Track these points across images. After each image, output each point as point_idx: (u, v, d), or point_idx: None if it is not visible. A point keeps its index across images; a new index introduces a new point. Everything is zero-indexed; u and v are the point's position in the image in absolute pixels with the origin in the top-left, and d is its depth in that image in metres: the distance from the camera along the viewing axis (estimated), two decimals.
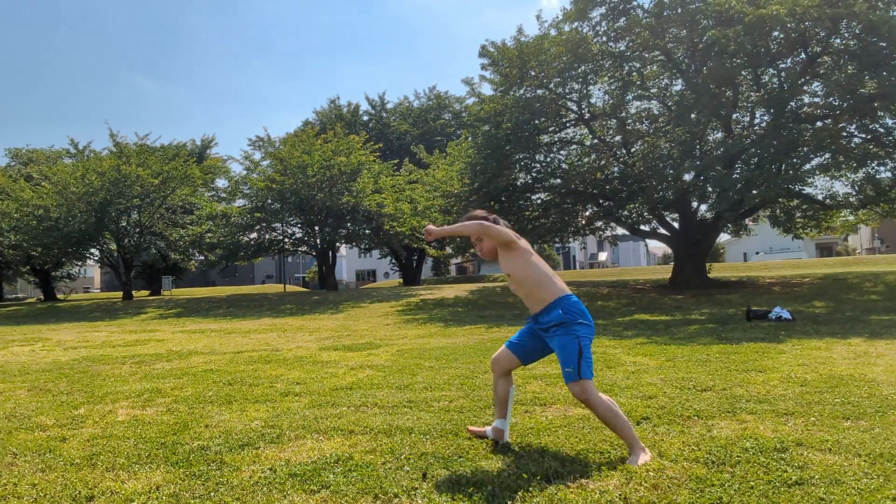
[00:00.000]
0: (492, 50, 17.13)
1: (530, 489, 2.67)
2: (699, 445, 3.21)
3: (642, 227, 19.25)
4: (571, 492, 2.64)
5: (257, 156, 26.83)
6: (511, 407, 3.44)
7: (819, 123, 14.77)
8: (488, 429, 3.45)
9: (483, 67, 17.62)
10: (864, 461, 2.91)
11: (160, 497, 2.74)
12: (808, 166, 15.29)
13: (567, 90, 17.38)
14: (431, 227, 3.36)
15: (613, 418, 3.08)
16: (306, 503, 2.62)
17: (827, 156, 14.99)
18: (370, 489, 2.73)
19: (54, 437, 3.81)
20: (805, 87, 15.35)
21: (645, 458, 2.99)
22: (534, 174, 18.83)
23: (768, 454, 3.03)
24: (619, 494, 2.59)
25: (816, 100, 15.76)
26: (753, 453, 3.05)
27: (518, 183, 18.72)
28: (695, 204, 17.63)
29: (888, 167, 15.75)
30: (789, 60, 15.22)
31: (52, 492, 2.85)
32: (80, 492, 2.84)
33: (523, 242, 3.42)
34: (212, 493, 2.76)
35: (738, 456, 3.02)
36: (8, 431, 4.01)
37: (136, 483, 2.93)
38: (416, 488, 2.72)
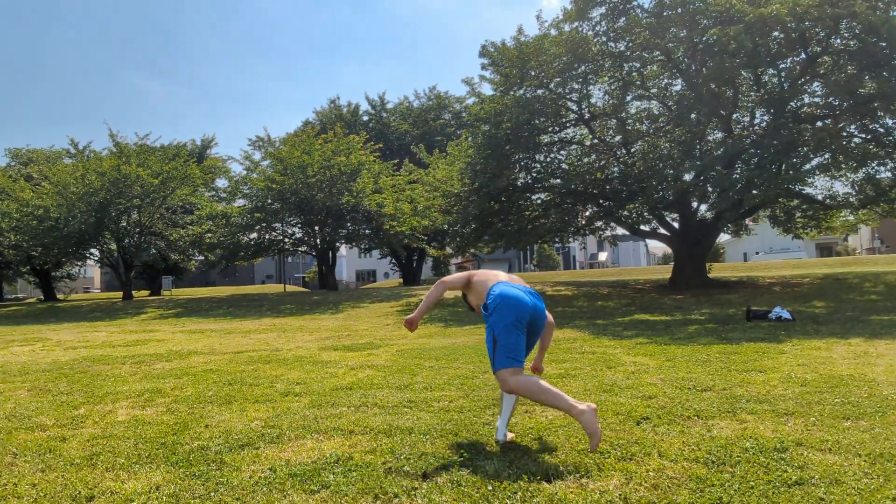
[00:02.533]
0: (492, 50, 17.13)
1: (530, 489, 2.67)
2: (699, 445, 3.21)
3: (642, 227, 19.24)
4: (571, 492, 2.64)
5: (257, 156, 26.85)
6: (507, 405, 3.46)
7: (819, 123, 14.77)
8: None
9: (483, 67, 17.61)
10: (864, 461, 2.91)
11: (160, 497, 2.74)
12: (808, 166, 15.29)
13: (567, 90, 17.38)
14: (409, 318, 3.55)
15: (540, 394, 3.17)
16: (306, 503, 2.62)
17: (827, 156, 14.99)
18: (370, 489, 2.73)
19: (54, 437, 3.81)
20: (805, 87, 15.36)
21: (585, 408, 3.09)
22: (534, 174, 18.83)
23: (768, 454, 3.03)
24: (619, 494, 2.59)
25: (816, 100, 15.76)
26: (753, 453, 3.05)
27: (518, 183, 18.71)
28: (695, 204, 17.63)
29: (888, 167, 15.74)
30: (789, 60, 15.22)
31: (52, 492, 2.85)
32: (80, 492, 2.84)
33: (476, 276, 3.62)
34: (212, 494, 2.76)
35: (738, 456, 3.02)
36: (8, 431, 4.02)
37: (136, 483, 2.93)
38: (416, 488, 2.72)
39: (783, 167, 14.65)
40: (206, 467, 3.12)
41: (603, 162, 18.03)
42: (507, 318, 3.24)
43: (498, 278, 3.51)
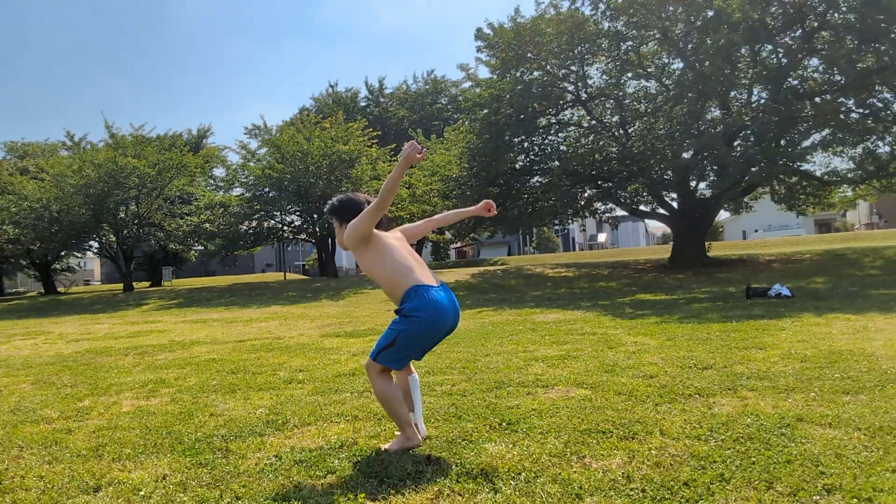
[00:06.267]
0: (488, 32, 17.01)
1: (534, 469, 2.69)
2: (700, 423, 3.23)
3: (641, 208, 19.23)
4: (575, 471, 2.66)
5: (253, 144, 26.75)
6: (418, 396, 3.23)
7: (818, 99, 14.71)
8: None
9: (479, 50, 17.51)
10: (864, 435, 2.93)
11: (167, 486, 2.77)
12: (807, 142, 15.25)
13: (565, 72, 17.28)
14: None
15: (387, 402, 3.05)
16: (312, 489, 2.65)
17: (826, 132, 14.95)
18: (375, 473, 2.75)
19: (60, 430, 3.84)
20: (804, 63, 15.27)
21: (399, 443, 3.02)
22: (532, 157, 18.78)
23: (769, 430, 3.05)
24: (623, 473, 2.62)
25: (815, 75, 15.68)
26: (754, 429, 3.07)
27: (517, 166, 18.67)
28: (693, 183, 17.61)
29: (887, 142, 15.70)
30: (788, 37, 15.12)
31: (60, 483, 2.88)
32: (87, 483, 2.86)
33: (385, 235, 3.19)
34: (219, 482, 2.78)
35: (739, 432, 3.04)
36: (13, 425, 4.04)
37: (142, 473, 2.96)
38: (421, 472, 2.75)
39: (782, 143, 14.62)
40: (211, 456, 3.14)
41: (601, 143, 17.98)
42: (421, 328, 2.98)
43: (415, 271, 3.07)
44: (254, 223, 25.71)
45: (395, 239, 3.23)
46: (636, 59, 16.85)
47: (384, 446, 3.08)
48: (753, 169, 14.21)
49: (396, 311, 3.08)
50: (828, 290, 10.74)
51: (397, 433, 3.17)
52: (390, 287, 3.08)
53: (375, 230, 3.09)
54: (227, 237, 24.78)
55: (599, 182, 18.03)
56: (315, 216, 24.99)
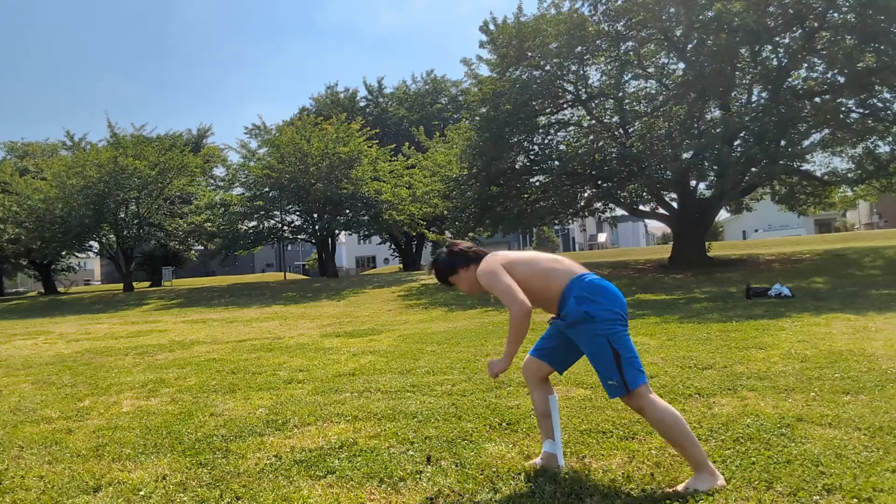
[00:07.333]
0: (492, 27, 17.03)
1: (534, 470, 2.69)
2: (701, 423, 3.23)
3: (641, 208, 19.22)
4: (575, 471, 2.66)
5: (253, 144, 26.74)
6: (558, 422, 2.73)
7: (818, 99, 14.71)
8: (537, 459, 2.74)
9: (481, 45, 17.51)
10: (864, 434, 2.93)
11: (167, 486, 2.77)
12: (807, 142, 15.25)
13: (564, 71, 17.28)
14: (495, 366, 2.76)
15: (673, 430, 2.42)
16: (312, 489, 2.65)
17: (826, 132, 14.95)
18: (375, 473, 2.75)
19: (60, 430, 3.84)
20: (803, 63, 15.27)
21: (713, 483, 2.36)
22: (531, 156, 18.78)
23: (769, 430, 3.05)
24: (623, 473, 2.62)
25: (815, 75, 15.68)
26: (754, 429, 3.07)
27: (517, 166, 18.66)
28: (693, 183, 17.60)
29: (887, 141, 15.69)
30: (787, 37, 15.12)
31: (60, 483, 2.88)
32: (87, 483, 2.86)
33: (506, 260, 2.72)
34: (219, 482, 2.78)
35: (739, 432, 3.04)
36: (14, 425, 4.04)
37: (142, 473, 2.96)
38: (421, 472, 2.75)
39: (782, 143, 14.62)
40: (211, 456, 3.15)
41: (601, 143, 17.97)
42: (614, 319, 2.50)
43: (558, 264, 2.73)
44: (254, 223, 25.74)
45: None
46: (636, 60, 16.85)
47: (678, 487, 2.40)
48: (753, 169, 14.18)
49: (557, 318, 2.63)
50: (828, 290, 10.74)
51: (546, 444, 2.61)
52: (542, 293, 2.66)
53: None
54: (227, 237, 24.79)
55: (599, 182, 18.01)
56: (315, 216, 24.99)
